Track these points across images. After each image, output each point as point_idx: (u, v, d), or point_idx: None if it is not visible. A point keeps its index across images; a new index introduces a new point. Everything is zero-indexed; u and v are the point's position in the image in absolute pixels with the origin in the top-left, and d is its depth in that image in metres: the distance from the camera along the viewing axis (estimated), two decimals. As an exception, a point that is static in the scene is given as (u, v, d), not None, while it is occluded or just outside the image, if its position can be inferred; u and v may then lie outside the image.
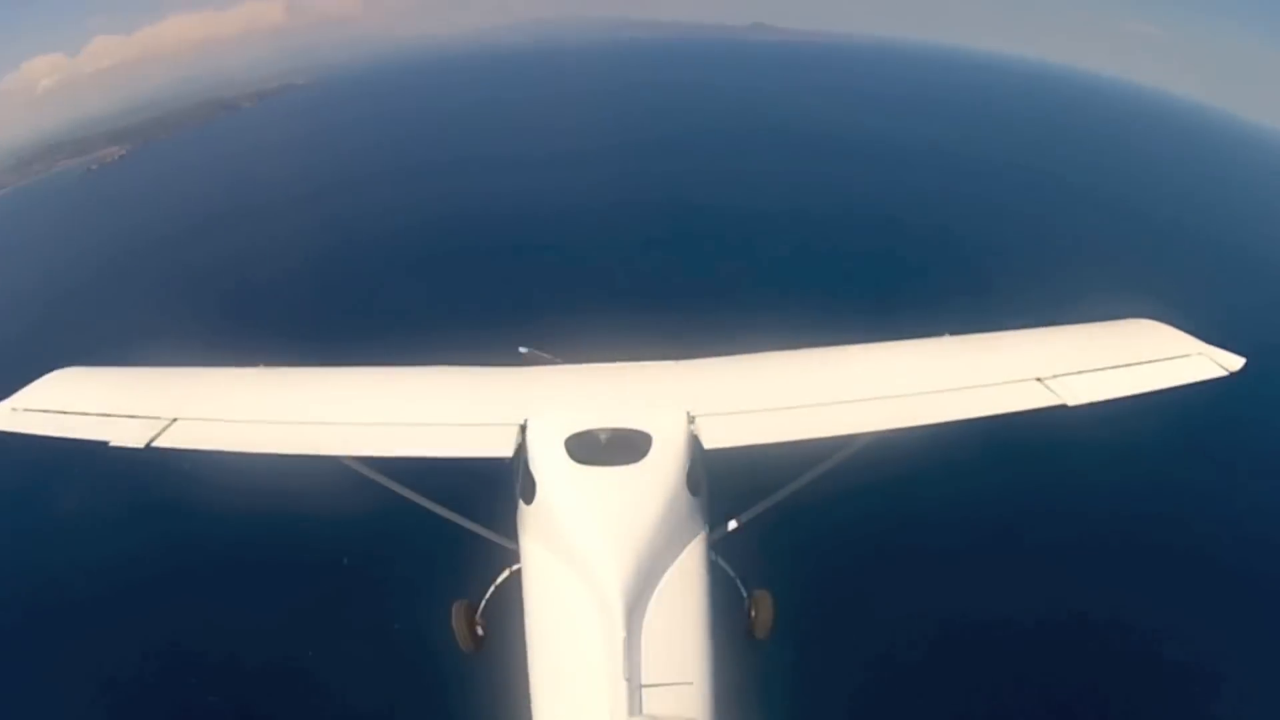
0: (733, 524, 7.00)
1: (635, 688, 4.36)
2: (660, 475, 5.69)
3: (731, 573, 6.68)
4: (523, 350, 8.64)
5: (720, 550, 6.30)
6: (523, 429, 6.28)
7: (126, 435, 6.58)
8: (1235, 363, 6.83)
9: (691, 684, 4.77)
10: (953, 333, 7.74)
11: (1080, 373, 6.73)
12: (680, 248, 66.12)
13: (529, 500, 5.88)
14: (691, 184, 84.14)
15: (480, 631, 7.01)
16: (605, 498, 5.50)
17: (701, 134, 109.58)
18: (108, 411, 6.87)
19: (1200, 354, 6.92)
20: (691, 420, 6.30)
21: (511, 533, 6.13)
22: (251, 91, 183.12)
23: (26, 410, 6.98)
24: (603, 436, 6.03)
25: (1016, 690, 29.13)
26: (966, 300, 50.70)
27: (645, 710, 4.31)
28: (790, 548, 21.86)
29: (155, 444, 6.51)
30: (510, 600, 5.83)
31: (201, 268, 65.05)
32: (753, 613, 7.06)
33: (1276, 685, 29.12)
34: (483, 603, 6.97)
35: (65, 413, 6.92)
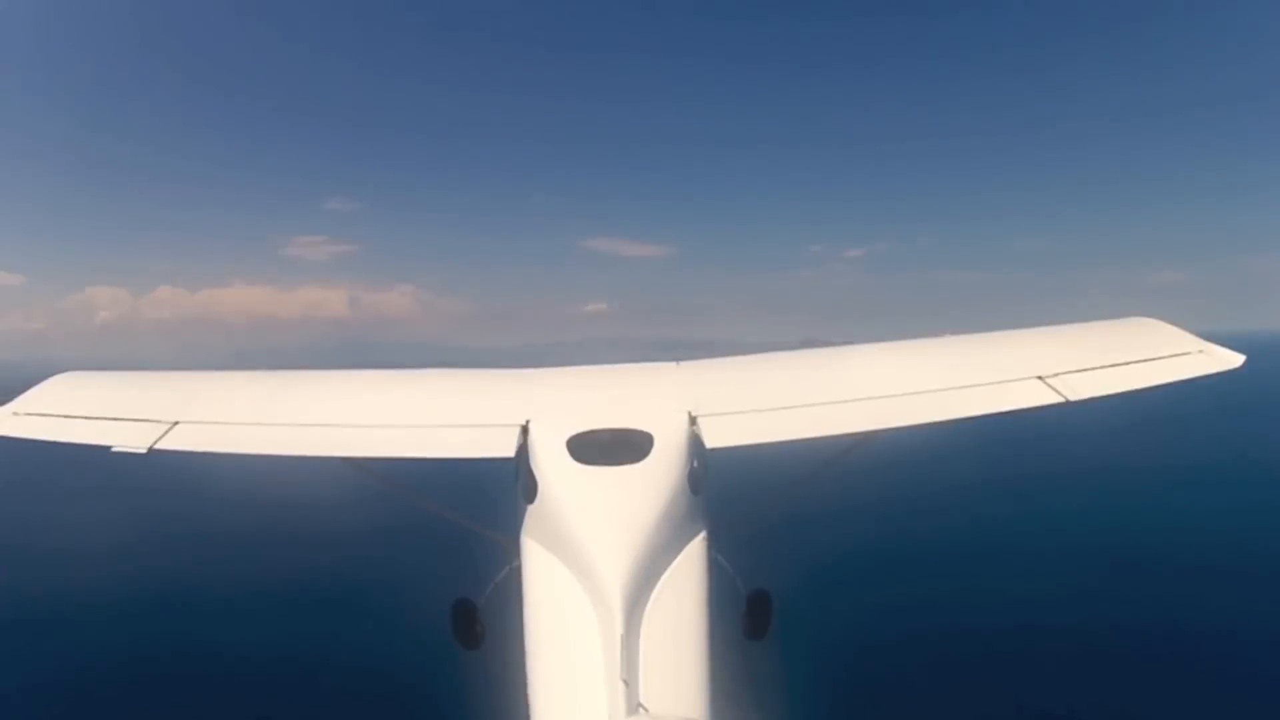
0: (734, 523, 7.03)
1: (633, 687, 4.37)
2: (662, 475, 5.69)
3: (732, 571, 6.69)
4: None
5: (721, 549, 6.31)
6: (524, 430, 6.30)
7: (128, 439, 6.56)
8: (1234, 360, 6.83)
9: (690, 683, 4.78)
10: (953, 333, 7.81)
11: (1080, 370, 6.70)
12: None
13: (530, 500, 5.90)
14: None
15: (479, 629, 7.05)
16: (607, 497, 5.51)
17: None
18: (109, 415, 6.86)
19: (1200, 351, 6.91)
20: (693, 420, 6.30)
21: (511, 532, 6.15)
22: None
23: (28, 415, 6.97)
24: (604, 437, 6.03)
25: (1016, 691, 29.12)
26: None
27: (643, 709, 4.31)
28: (791, 547, 21.92)
29: (157, 447, 6.50)
30: (509, 599, 5.85)
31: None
32: (752, 612, 7.10)
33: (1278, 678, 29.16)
34: (482, 601, 7.01)
35: (67, 417, 6.91)
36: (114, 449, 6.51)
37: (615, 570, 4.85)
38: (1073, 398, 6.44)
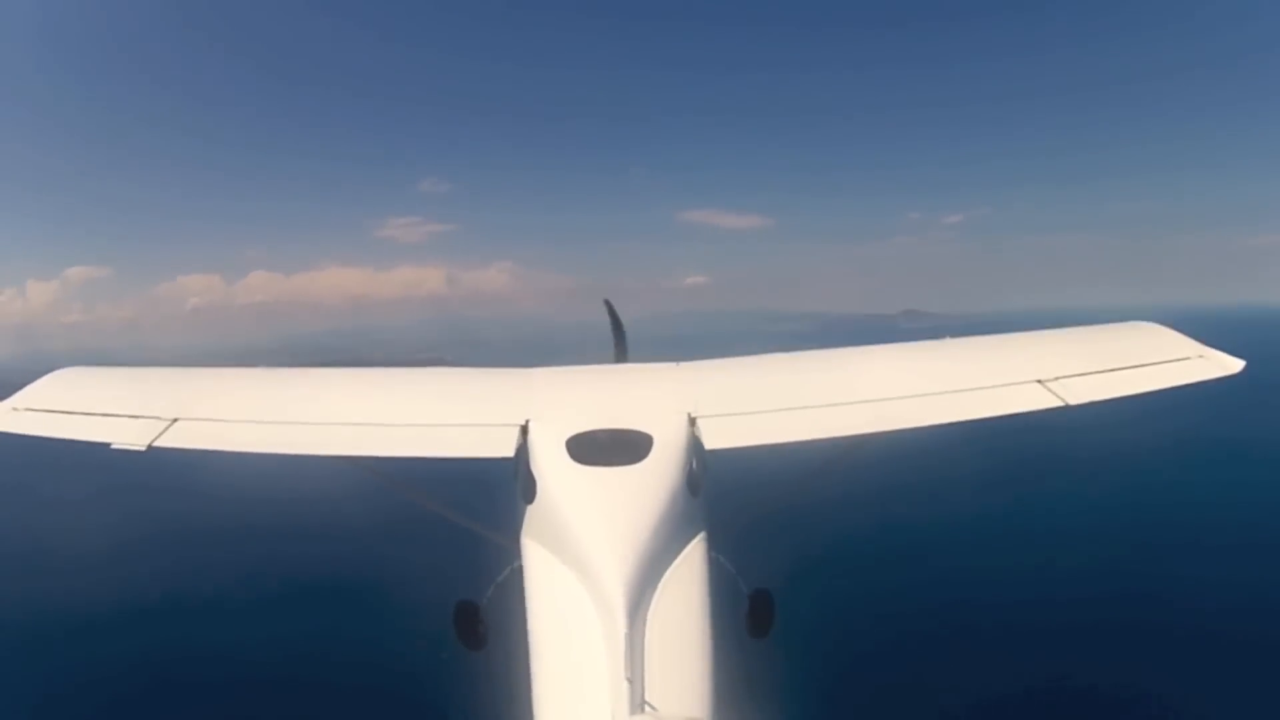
0: (735, 524, 7.04)
1: (636, 686, 4.37)
2: (661, 476, 5.69)
3: (734, 571, 6.70)
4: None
5: (721, 550, 6.31)
6: (524, 430, 6.29)
7: (128, 436, 6.54)
8: (1235, 365, 6.84)
9: (694, 682, 4.79)
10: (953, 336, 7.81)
11: (1080, 374, 6.71)
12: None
13: (530, 500, 5.90)
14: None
15: (482, 630, 7.06)
16: (606, 498, 5.51)
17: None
18: (109, 412, 6.84)
19: (1200, 356, 6.92)
20: (692, 421, 6.30)
21: (513, 532, 6.14)
22: (400, 359, 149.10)
23: (28, 410, 6.95)
24: (604, 437, 6.03)
25: (1016, 690, 29.12)
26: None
27: (646, 709, 4.31)
28: (790, 547, 21.91)
29: (156, 445, 6.47)
30: (512, 599, 5.85)
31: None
32: (753, 611, 7.11)
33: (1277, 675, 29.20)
34: (484, 602, 7.02)
35: (66, 413, 6.89)
36: (113, 446, 6.49)
37: (616, 570, 4.85)
38: (1072, 401, 6.44)
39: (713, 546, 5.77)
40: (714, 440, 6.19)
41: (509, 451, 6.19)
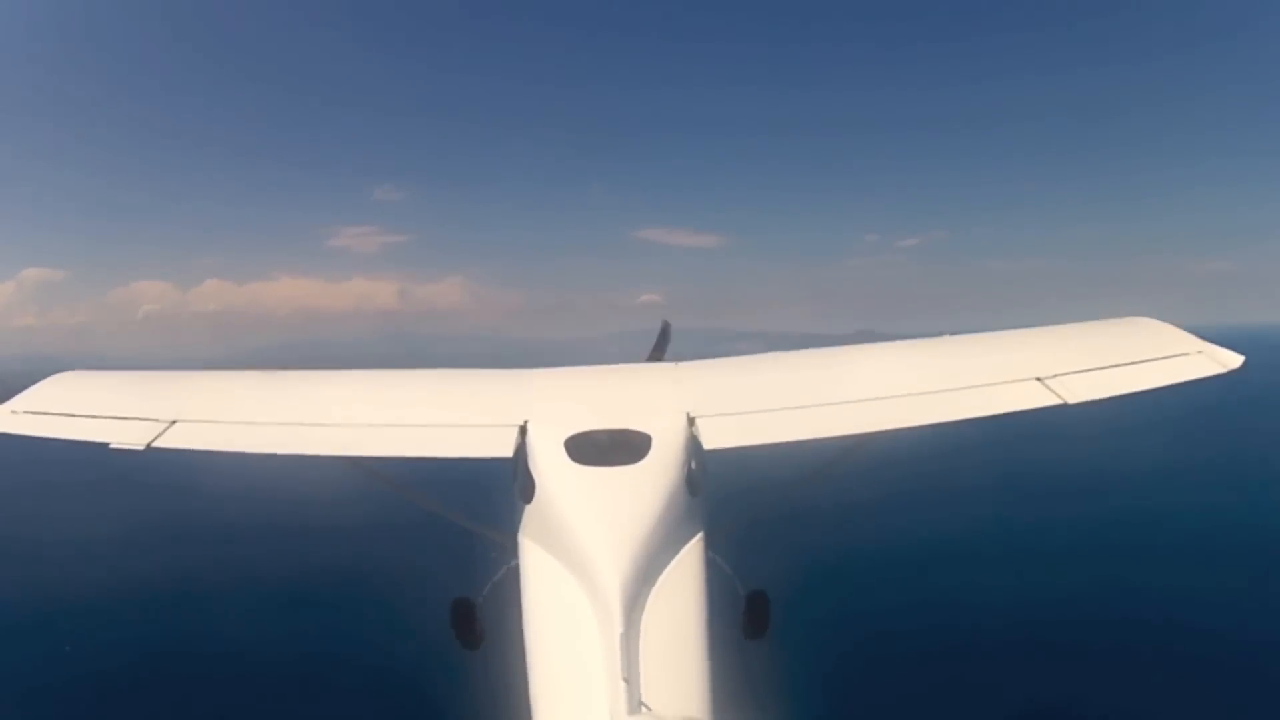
0: (732, 524, 7.05)
1: (633, 686, 4.37)
2: (659, 475, 5.70)
3: (730, 571, 6.71)
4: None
5: (719, 550, 6.31)
6: (523, 430, 6.30)
7: (127, 437, 6.57)
8: (1235, 360, 6.79)
9: (690, 682, 4.79)
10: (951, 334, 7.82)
11: (1080, 372, 6.69)
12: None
13: (528, 500, 5.91)
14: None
15: (478, 630, 7.07)
16: (604, 498, 5.52)
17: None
18: (108, 414, 6.88)
19: (1200, 352, 6.87)
20: (691, 421, 6.31)
21: (510, 533, 6.15)
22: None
23: (27, 413, 6.99)
24: (602, 438, 6.04)
25: (1015, 690, 29.11)
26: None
27: (643, 709, 4.32)
28: (789, 548, 21.89)
29: (155, 445, 6.51)
30: (509, 599, 5.85)
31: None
32: (750, 611, 7.12)
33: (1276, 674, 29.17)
34: (481, 601, 7.02)
35: (66, 415, 6.92)
36: (112, 446, 6.52)
37: (613, 570, 4.86)
38: (1071, 400, 6.42)
39: (710, 547, 5.78)
40: (713, 440, 6.19)
41: (507, 452, 6.19)
